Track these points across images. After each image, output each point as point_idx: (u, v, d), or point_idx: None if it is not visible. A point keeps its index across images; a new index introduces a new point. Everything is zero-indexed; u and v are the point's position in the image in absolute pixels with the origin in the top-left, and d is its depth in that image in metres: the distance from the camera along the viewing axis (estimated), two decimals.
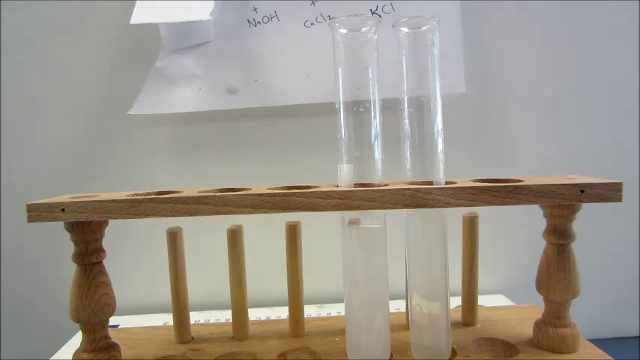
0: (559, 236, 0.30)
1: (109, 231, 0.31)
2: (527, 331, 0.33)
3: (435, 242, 0.29)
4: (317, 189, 0.28)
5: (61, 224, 0.29)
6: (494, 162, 0.46)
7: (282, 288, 0.35)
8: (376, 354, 0.30)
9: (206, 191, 0.30)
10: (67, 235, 0.29)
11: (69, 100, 0.46)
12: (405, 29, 0.29)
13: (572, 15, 0.45)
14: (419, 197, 0.27)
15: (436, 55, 0.28)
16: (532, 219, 0.33)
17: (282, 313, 0.44)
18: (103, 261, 0.30)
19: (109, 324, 0.31)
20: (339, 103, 0.28)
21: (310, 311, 0.44)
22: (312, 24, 0.44)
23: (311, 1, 0.44)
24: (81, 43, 0.45)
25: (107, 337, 0.31)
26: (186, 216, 0.28)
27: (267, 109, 0.45)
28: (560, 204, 0.29)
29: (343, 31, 0.28)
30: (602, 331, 0.47)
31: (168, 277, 0.34)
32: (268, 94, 0.44)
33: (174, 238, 0.34)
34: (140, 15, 0.42)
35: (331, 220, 0.32)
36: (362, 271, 0.29)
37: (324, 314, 0.44)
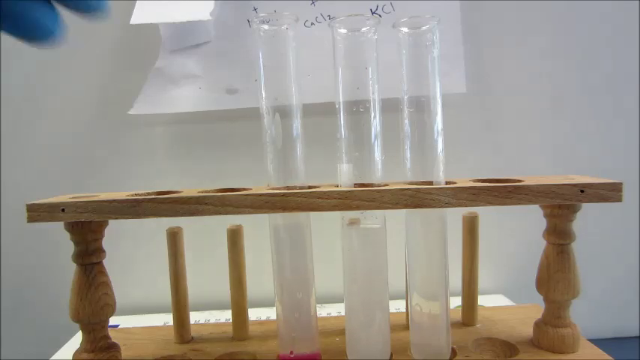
0: (559, 236, 0.30)
1: (109, 231, 0.31)
2: (527, 331, 0.33)
3: (435, 242, 0.29)
4: (317, 189, 0.28)
5: (61, 224, 0.29)
6: (494, 162, 0.46)
7: None
8: (376, 354, 0.30)
9: (206, 191, 0.30)
10: (66, 235, 0.29)
11: (69, 100, 0.46)
12: (405, 29, 0.29)
13: (572, 15, 0.45)
14: (419, 197, 0.27)
15: (436, 55, 0.28)
16: (532, 219, 0.33)
17: None
18: (103, 261, 0.30)
19: (109, 324, 0.31)
20: (339, 103, 0.28)
21: None
22: (312, 24, 0.44)
23: (311, 1, 0.44)
24: (81, 43, 0.45)
25: (107, 337, 0.31)
26: (186, 216, 0.28)
27: None
28: (560, 204, 0.29)
29: (343, 31, 0.28)
30: (602, 331, 0.47)
31: (169, 277, 0.34)
32: None
33: (174, 238, 0.34)
34: (140, 15, 0.42)
35: (331, 220, 0.32)
36: (362, 271, 0.29)
37: (324, 314, 0.44)
